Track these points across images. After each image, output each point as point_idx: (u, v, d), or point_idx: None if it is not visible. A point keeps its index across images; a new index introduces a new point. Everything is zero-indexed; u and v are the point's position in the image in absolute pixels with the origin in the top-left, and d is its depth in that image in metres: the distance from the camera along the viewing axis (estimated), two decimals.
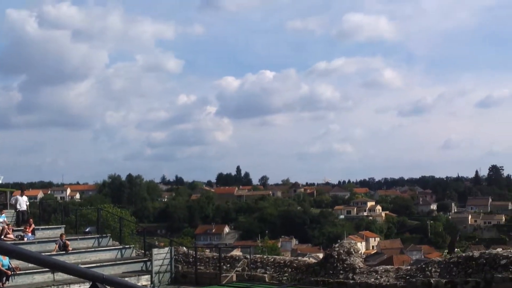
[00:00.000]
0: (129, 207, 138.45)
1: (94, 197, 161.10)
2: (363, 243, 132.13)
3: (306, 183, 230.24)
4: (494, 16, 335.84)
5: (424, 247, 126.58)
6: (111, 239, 26.40)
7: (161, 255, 23.63)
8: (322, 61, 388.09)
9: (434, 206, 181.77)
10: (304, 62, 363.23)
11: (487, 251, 16.54)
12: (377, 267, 19.47)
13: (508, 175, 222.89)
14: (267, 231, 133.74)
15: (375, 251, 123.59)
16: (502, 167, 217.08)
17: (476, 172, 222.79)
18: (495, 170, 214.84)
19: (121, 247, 25.35)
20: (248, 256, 23.36)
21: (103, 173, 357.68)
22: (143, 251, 25.83)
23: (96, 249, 24.68)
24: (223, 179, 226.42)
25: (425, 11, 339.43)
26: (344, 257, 19.58)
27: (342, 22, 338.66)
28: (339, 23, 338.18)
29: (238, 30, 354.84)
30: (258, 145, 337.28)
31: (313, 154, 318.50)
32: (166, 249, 24.67)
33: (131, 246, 26.15)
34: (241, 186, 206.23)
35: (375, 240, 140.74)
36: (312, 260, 24.63)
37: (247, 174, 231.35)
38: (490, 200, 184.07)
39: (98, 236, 26.03)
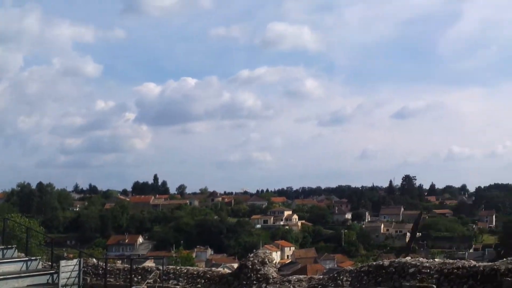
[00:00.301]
0: (38, 216, 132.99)
1: (1, 206, 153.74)
2: (279, 253, 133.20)
3: (225, 192, 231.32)
4: (412, 29, 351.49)
5: (338, 256, 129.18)
6: (16, 250, 25.04)
7: (69, 267, 22.59)
8: (244, 69, 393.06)
9: (349, 215, 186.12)
10: (226, 70, 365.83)
11: (396, 260, 16.83)
12: (290, 277, 19.44)
13: (421, 185, 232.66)
14: (182, 241, 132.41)
15: (290, 260, 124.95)
16: (415, 177, 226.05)
17: (390, 181, 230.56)
18: (408, 180, 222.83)
19: (26, 259, 24.07)
20: (161, 267, 22.78)
21: (13, 181, 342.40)
22: (50, 263, 24.67)
23: (0, 261, 23.31)
24: (139, 188, 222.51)
25: (347, 23, 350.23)
26: (258, 267, 19.43)
27: (266, 31, 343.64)
28: (263, 32, 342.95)
29: (160, 35, 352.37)
30: (177, 153, 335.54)
31: (233, 163, 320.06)
32: (75, 260, 23.62)
33: (38, 257, 24.89)
34: (157, 195, 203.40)
35: (290, 250, 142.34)
36: (226, 271, 24.34)
37: (164, 183, 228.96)
38: (402, 209, 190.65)
39: (2, 247, 24.60)
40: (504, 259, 14.66)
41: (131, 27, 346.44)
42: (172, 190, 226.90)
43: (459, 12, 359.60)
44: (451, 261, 15.92)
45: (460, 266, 14.97)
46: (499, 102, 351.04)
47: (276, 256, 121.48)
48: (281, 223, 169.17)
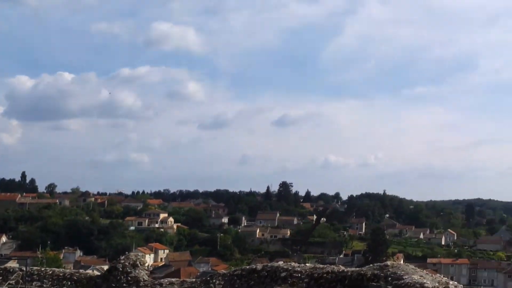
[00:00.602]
0: None
1: None
2: (152, 255, 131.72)
3: (98, 192, 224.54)
4: (296, 39, 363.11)
5: (213, 260, 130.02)
6: None
7: None
8: (125, 67, 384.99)
9: (225, 219, 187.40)
10: (106, 67, 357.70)
11: (269, 264, 17.00)
12: (162, 280, 19.08)
13: (297, 191, 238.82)
14: (49, 242, 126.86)
15: (164, 263, 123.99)
16: (292, 183, 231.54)
17: (268, 187, 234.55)
18: (285, 186, 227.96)
19: None
20: (24, 268, 21.46)
21: None
22: None
23: None
24: (5, 185, 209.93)
25: (232, 28, 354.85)
26: (129, 270, 18.89)
27: (150, 29, 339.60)
28: (146, 31, 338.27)
29: (37, 27, 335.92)
30: (49, 151, 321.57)
31: (108, 163, 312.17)
32: None
33: None
34: (25, 193, 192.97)
35: (164, 252, 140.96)
36: (96, 273, 23.45)
37: (33, 181, 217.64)
38: (278, 214, 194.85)
39: None
40: (371, 265, 15.23)
41: (5, 16, 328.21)
42: (41, 188, 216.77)
43: (342, 26, 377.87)
44: (321, 266, 16.31)
45: (330, 271, 15.36)
46: (373, 114, 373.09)
47: (149, 259, 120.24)
48: (156, 225, 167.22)
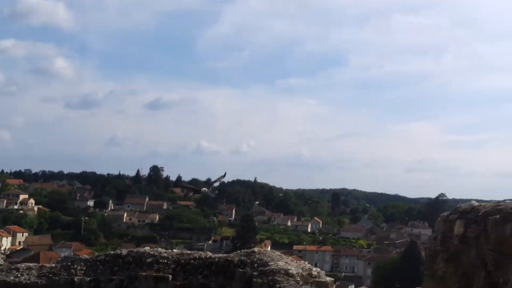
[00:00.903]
0: None
1: None
2: (10, 238, 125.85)
3: None
4: (172, 23, 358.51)
5: (76, 244, 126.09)
6: None
7: None
8: None
9: (91, 203, 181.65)
10: None
11: (135, 250, 16.61)
12: (19, 265, 17.97)
13: (167, 176, 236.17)
14: None
15: (22, 247, 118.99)
16: (163, 168, 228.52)
17: (138, 171, 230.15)
18: (155, 170, 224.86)
19: None
20: None
21: None
22: None
23: None
24: None
25: (106, 6, 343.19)
26: None
27: (15, 1, 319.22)
28: (12, 2, 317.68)
29: None
30: None
31: None
32: None
33: None
34: None
35: (23, 236, 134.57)
36: None
37: None
38: (147, 199, 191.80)
39: None
40: (238, 251, 15.36)
41: None
42: None
43: (218, 13, 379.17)
44: (188, 252, 16.20)
45: (197, 256, 15.27)
46: (247, 103, 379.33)
47: (6, 242, 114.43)
48: (15, 207, 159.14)
